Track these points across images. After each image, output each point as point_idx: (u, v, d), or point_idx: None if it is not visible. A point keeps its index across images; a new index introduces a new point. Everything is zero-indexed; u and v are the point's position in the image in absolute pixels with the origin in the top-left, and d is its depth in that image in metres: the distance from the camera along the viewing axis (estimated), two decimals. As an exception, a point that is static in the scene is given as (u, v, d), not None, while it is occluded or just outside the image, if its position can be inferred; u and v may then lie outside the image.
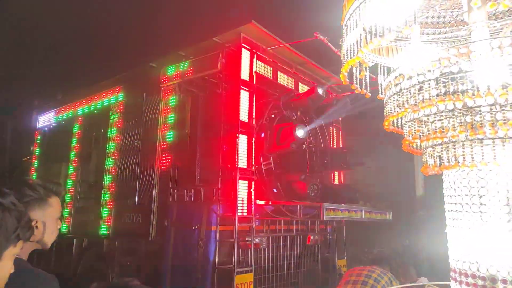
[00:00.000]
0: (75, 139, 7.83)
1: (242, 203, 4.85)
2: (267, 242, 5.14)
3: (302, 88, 6.46)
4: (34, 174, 8.80)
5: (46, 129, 8.91)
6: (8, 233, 1.25)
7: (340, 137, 7.44)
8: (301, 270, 5.69)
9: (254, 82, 5.32)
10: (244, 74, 5.16)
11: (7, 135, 12.57)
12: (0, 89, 12.07)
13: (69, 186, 7.59)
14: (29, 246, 1.76)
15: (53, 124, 8.70)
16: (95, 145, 7.82)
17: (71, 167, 7.71)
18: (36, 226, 1.70)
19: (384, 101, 1.97)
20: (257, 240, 4.89)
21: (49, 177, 8.15)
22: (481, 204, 1.70)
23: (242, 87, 5.09)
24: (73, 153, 7.77)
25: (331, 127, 7.33)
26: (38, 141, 9.01)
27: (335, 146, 7.26)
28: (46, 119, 8.91)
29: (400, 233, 6.06)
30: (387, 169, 7.66)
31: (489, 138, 1.62)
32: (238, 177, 4.83)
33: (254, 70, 5.35)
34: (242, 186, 4.91)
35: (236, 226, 4.67)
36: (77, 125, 7.90)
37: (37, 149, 8.96)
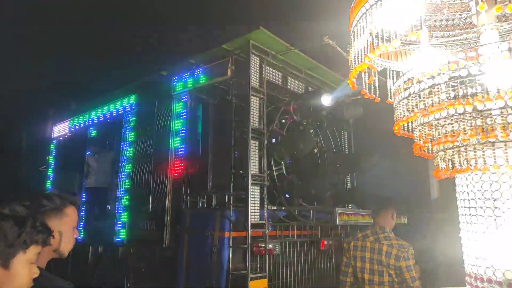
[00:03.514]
0: (90, 148, 7.97)
1: (255, 209, 4.86)
2: (280, 248, 5.13)
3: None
4: (50, 183, 8.97)
5: (61, 138, 9.08)
6: (9, 240, 1.24)
7: (352, 140, 7.41)
8: (315, 276, 5.65)
9: (264, 88, 5.34)
10: (254, 81, 5.19)
11: (23, 145, 12.84)
12: (16, 99, 12.35)
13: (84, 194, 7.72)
14: (47, 255, 1.80)
15: (68, 134, 8.86)
16: (109, 153, 7.95)
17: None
18: (53, 236, 1.74)
19: (394, 106, 1.97)
20: (270, 245, 4.88)
21: (65, 186, 8.30)
22: (495, 207, 1.68)
23: (252, 93, 5.12)
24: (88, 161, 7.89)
25: (342, 131, 7.31)
26: (53, 151, 9.19)
27: (346, 150, 7.23)
28: (61, 129, 9.09)
29: (415, 237, 5.98)
30: (401, 172, 7.58)
31: (501, 141, 1.61)
32: (250, 183, 4.85)
33: (263, 76, 5.38)
34: (254, 192, 4.92)
35: (249, 232, 4.67)
36: (91, 134, 8.04)
37: (53, 159, 9.13)
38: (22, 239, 1.28)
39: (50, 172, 9.05)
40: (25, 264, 1.29)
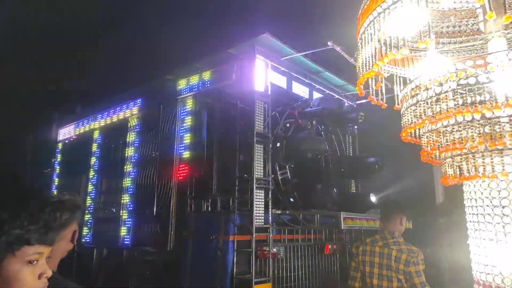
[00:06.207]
0: (95, 151, 8.00)
1: (259, 213, 4.86)
2: (284, 252, 5.12)
3: (317, 96, 6.47)
4: (55, 186, 9.01)
5: (66, 141, 9.13)
6: None
7: (356, 145, 7.40)
8: (320, 280, 5.64)
9: (269, 92, 5.35)
10: (259, 85, 5.20)
11: (29, 148, 12.91)
12: (22, 102, 12.44)
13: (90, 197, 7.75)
14: (59, 256, 1.79)
15: (73, 137, 8.91)
16: (114, 156, 7.97)
17: (91, 178, 7.87)
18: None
19: (401, 112, 1.97)
20: (274, 249, 4.87)
21: (70, 189, 8.33)
22: (503, 215, 1.68)
23: (257, 97, 5.13)
24: (93, 164, 7.93)
25: (347, 135, 7.30)
26: (59, 154, 9.23)
27: (351, 154, 7.22)
28: (66, 132, 9.14)
29: (420, 242, 5.95)
30: (406, 177, 7.56)
31: (509, 149, 1.61)
32: (254, 187, 4.85)
33: (268, 80, 5.39)
34: (259, 196, 4.92)
35: (254, 235, 4.67)
36: (96, 137, 8.08)
37: (58, 161, 9.18)
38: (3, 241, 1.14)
39: (55, 175, 9.10)
40: (21, 268, 1.16)
